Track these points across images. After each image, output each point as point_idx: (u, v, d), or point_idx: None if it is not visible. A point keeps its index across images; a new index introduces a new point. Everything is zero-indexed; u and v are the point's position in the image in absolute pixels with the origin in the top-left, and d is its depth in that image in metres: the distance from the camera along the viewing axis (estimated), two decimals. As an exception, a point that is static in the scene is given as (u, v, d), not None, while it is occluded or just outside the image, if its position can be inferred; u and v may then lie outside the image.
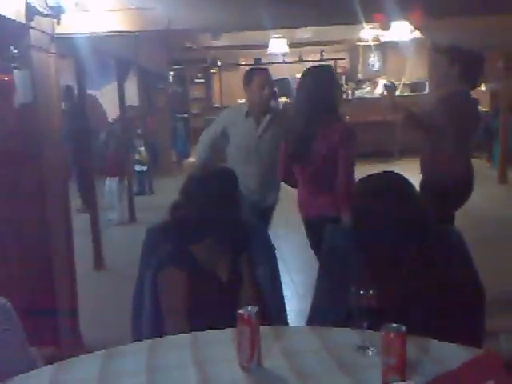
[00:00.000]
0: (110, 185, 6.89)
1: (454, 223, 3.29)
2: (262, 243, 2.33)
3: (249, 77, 3.52)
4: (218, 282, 2.09)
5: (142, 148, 8.52)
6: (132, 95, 9.76)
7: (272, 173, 3.53)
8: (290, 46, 10.23)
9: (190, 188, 2.13)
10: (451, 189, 3.23)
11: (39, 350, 1.94)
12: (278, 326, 1.78)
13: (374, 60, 12.57)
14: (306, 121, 3.02)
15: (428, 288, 1.82)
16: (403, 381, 1.35)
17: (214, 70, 13.65)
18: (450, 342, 1.60)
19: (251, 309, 1.53)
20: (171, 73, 13.45)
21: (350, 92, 11.66)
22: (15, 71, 2.68)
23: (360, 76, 12.66)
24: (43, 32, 2.91)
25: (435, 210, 3.21)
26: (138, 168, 8.44)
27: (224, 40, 9.88)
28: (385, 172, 1.94)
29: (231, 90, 12.53)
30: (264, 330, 1.71)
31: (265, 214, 3.68)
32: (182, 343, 1.70)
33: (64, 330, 3.27)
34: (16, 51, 2.68)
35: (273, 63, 10.99)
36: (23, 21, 2.65)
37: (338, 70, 12.81)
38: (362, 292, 1.55)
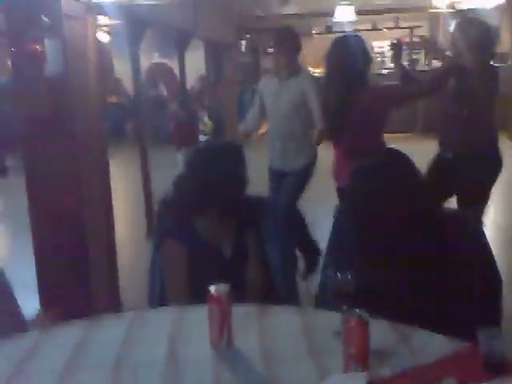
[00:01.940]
0: (182, 155, 6.94)
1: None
2: (271, 220, 2.27)
3: (275, 38, 3.71)
4: (220, 257, 2.05)
5: (206, 118, 8.58)
6: (202, 64, 9.85)
7: (295, 136, 3.70)
8: (365, 12, 9.82)
9: (195, 161, 2.10)
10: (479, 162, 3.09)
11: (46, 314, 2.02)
12: (265, 305, 1.72)
13: (456, 28, 11.84)
14: (334, 93, 3.06)
15: (433, 273, 1.69)
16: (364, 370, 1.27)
17: (285, 39, 13.39)
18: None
19: (221, 287, 1.49)
20: (243, 42, 13.41)
21: (426, 62, 11.10)
22: (46, 41, 2.73)
23: (440, 45, 11.98)
24: (78, 1, 2.94)
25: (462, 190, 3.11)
26: (202, 138, 8.53)
27: (293, 7, 9.68)
28: (388, 149, 1.82)
29: (302, 59, 12.30)
30: (248, 308, 1.68)
31: (290, 179, 3.76)
32: (164, 317, 1.70)
33: (102, 298, 3.38)
34: (47, 20, 2.72)
35: (344, 31, 10.63)
36: (53, -10, 2.68)
37: (416, 39, 12.23)
38: (338, 275, 1.47)
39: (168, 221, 2.10)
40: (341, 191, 3.22)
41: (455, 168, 3.16)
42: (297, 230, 4.01)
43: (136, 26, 4.51)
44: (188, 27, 6.19)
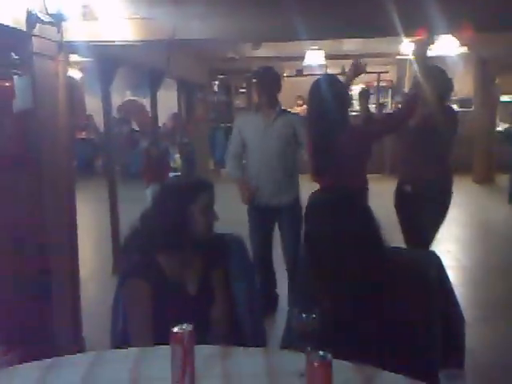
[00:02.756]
0: (151, 191, 6.90)
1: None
2: (240, 258, 2.27)
3: (258, 76, 3.81)
4: (186, 295, 2.02)
5: (177, 155, 8.61)
6: (174, 103, 9.95)
7: (287, 171, 3.74)
8: (333, 57, 10.10)
9: (162, 196, 2.10)
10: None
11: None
12: (228, 346, 1.70)
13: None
14: (318, 131, 3.22)
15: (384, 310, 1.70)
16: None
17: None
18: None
19: (184, 327, 1.47)
20: (216, 82, 13.61)
21: (393, 105, 11.42)
22: (16, 77, 2.74)
23: (406, 90, 12.37)
24: (48, 39, 2.96)
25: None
26: (172, 175, 8.53)
27: (265, 50, 9.89)
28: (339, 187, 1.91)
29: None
30: (211, 349, 1.66)
31: (287, 214, 3.81)
32: (125, 357, 1.66)
33: (65, 334, 3.30)
34: (17, 58, 2.73)
35: (314, 75, 10.90)
36: (24, 28, 2.70)
37: (383, 83, 12.60)
38: (303, 316, 1.47)
39: (133, 257, 2.05)
40: None
41: (414, 201, 3.39)
42: (266, 269, 4.03)
43: (108, 64, 4.55)
44: (161, 67, 6.26)
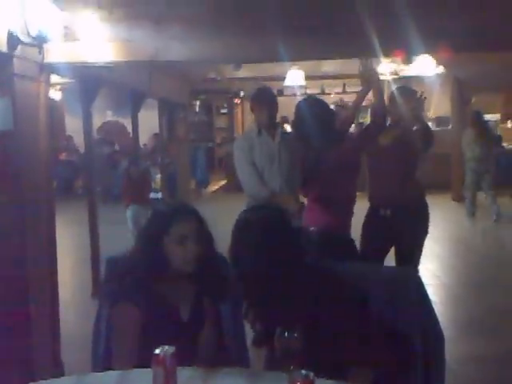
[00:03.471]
0: (131, 211, 6.82)
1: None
2: (225, 280, 2.24)
3: (257, 96, 3.68)
4: (177, 321, 1.92)
5: (158, 175, 8.61)
6: (155, 123, 9.97)
7: (292, 192, 3.54)
8: (313, 78, 10.24)
9: (145, 223, 2.03)
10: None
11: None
12: (211, 368, 1.69)
13: (399, 94, 12.48)
14: (308, 149, 3.31)
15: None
16: None
17: (238, 101, 13.79)
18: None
19: (167, 349, 1.47)
20: (197, 102, 13.69)
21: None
22: (-5, 99, 2.73)
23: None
24: (29, 60, 2.97)
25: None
26: (153, 195, 8.51)
27: (245, 71, 9.99)
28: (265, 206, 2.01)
29: (253, 121, 12.60)
30: (193, 372, 1.66)
31: None
32: (108, 381, 1.65)
33: (43, 357, 3.25)
34: (-3, 79, 2.73)
35: (295, 95, 11.03)
36: (5, 49, 2.70)
37: (363, 103, 12.76)
38: (285, 334, 1.48)
39: (123, 281, 1.94)
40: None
41: (392, 223, 3.36)
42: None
43: (90, 84, 4.56)
44: (142, 87, 6.29)
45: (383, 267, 2.79)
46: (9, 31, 2.69)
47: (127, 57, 3.23)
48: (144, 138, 9.72)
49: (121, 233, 6.61)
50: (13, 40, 2.71)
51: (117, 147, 12.13)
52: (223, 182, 12.24)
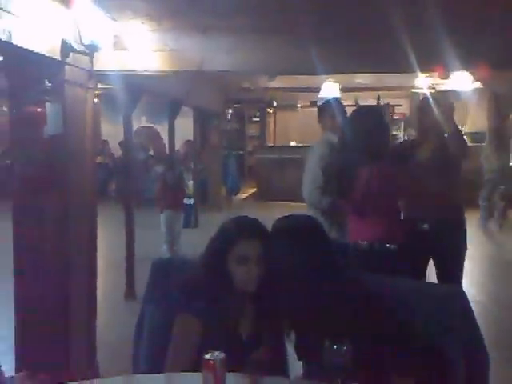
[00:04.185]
0: (165, 216, 6.89)
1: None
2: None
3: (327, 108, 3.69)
4: (236, 338, 1.87)
5: (191, 182, 8.69)
6: (190, 131, 10.11)
7: None
8: (347, 90, 10.23)
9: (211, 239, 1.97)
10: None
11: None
12: (257, 376, 1.71)
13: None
14: (349, 160, 3.06)
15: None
16: None
17: (270, 110, 13.86)
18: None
19: (217, 355, 1.49)
20: (230, 111, 13.81)
21: (407, 137, 11.50)
22: (47, 104, 2.82)
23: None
24: (80, 68, 3.06)
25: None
26: (185, 201, 8.59)
27: (280, 81, 10.04)
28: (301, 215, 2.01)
29: (285, 131, 12.65)
30: (242, 377, 1.67)
31: None
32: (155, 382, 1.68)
33: (79, 360, 3.30)
34: (50, 85, 2.81)
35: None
36: (58, 57, 2.79)
37: (396, 116, 12.70)
38: (334, 347, 1.49)
39: (187, 293, 1.89)
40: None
41: (433, 238, 3.29)
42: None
43: (132, 92, 4.66)
44: (180, 96, 6.39)
45: (429, 283, 2.76)
46: (63, 40, 2.79)
47: (174, 66, 3.30)
48: (177, 145, 9.87)
49: (152, 237, 6.70)
50: (66, 48, 2.81)
51: (151, 152, 12.30)
52: (253, 190, 12.30)
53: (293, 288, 1.83)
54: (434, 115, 3.29)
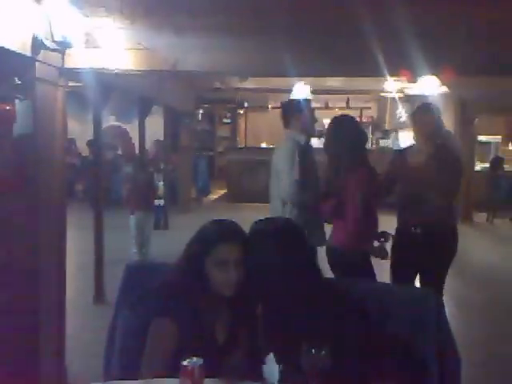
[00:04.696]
0: (136, 218, 6.77)
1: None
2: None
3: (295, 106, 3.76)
4: (212, 343, 1.84)
5: (161, 183, 8.58)
6: (159, 130, 10.00)
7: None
8: (317, 92, 10.30)
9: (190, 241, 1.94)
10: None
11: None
12: (229, 380, 1.69)
13: (402, 112, 12.57)
14: (332, 164, 3.28)
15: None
16: None
17: (241, 111, 13.86)
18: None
19: (195, 361, 1.47)
20: (200, 111, 13.74)
21: (374, 141, 11.66)
22: (17, 101, 2.74)
23: (386, 126, 12.65)
24: (50, 65, 2.98)
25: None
26: (155, 202, 8.48)
27: (251, 82, 10.04)
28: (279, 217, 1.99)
29: (256, 131, 12.65)
30: (214, 383, 1.65)
31: None
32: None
33: (49, 363, 3.23)
34: (20, 82, 2.74)
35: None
36: (29, 54, 2.72)
37: (364, 120, 12.87)
38: (313, 351, 1.48)
39: (163, 296, 1.85)
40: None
41: (424, 241, 3.32)
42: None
43: (101, 90, 4.58)
44: (151, 94, 6.31)
45: (403, 286, 2.79)
46: (34, 35, 2.71)
47: (147, 66, 3.26)
48: (146, 145, 9.76)
49: (121, 238, 6.59)
50: (37, 44, 2.73)
51: (119, 151, 12.13)
52: (223, 192, 12.26)
53: (270, 291, 1.82)
54: (430, 120, 3.42)
